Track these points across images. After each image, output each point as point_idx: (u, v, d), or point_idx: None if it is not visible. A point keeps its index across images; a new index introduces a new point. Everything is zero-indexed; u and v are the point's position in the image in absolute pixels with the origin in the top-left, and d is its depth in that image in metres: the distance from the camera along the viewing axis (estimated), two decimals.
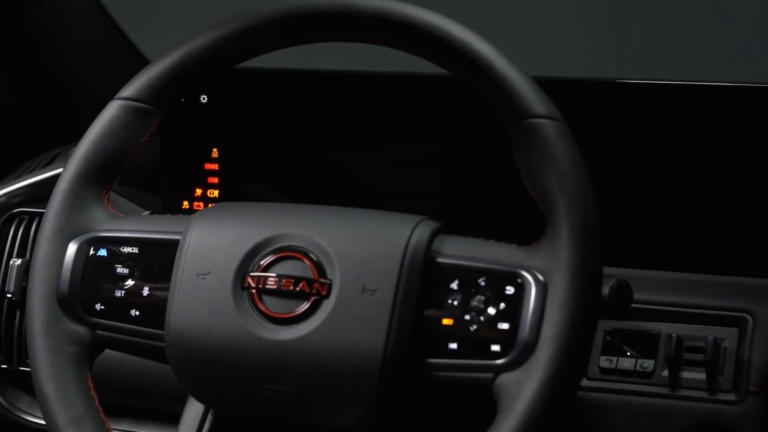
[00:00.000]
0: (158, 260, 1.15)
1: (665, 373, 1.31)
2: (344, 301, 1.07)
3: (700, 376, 1.30)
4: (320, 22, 1.13)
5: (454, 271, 1.07)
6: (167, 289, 1.12)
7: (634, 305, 1.30)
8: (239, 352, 1.08)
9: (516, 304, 1.04)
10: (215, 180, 1.57)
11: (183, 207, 1.58)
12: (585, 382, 1.32)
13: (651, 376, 1.31)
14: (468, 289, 1.06)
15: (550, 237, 1.05)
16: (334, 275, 1.08)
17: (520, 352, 1.03)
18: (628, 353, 1.33)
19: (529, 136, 1.06)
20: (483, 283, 1.06)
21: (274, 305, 1.09)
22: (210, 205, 1.52)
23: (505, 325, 1.04)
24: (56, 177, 1.21)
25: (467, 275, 1.06)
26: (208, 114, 1.56)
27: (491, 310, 1.05)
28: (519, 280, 1.04)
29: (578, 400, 1.30)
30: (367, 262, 1.07)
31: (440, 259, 1.08)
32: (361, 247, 1.08)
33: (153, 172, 1.59)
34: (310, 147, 1.56)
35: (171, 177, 1.59)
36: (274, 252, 1.10)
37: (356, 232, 1.10)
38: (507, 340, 1.03)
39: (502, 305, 1.04)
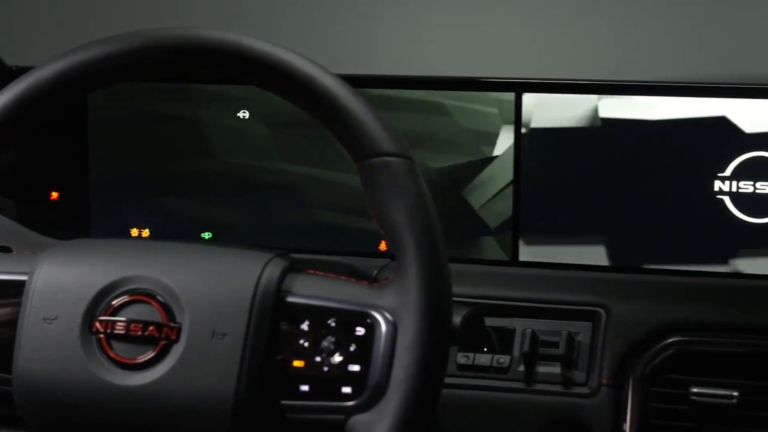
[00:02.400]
0: (3, 302, 1.12)
1: (521, 368, 1.33)
2: (194, 346, 1.05)
3: (555, 370, 1.33)
4: (165, 56, 1.09)
5: (304, 312, 1.06)
6: (14, 332, 1.09)
7: (490, 301, 1.32)
8: (89, 398, 1.07)
9: (366, 345, 1.03)
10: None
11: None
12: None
13: (507, 371, 1.33)
14: (318, 330, 1.05)
15: (399, 276, 1.04)
16: (183, 319, 1.06)
17: (371, 394, 1.03)
18: (485, 349, 1.35)
19: (377, 174, 1.05)
20: (333, 324, 1.05)
21: (123, 350, 1.07)
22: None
23: (356, 367, 1.04)
24: None
25: (317, 316, 1.06)
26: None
27: (342, 352, 1.04)
28: (369, 321, 1.04)
29: None
30: (216, 305, 1.06)
31: (291, 299, 1.07)
32: (210, 288, 1.07)
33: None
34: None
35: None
36: (122, 294, 1.08)
37: (206, 272, 1.08)
38: (358, 381, 1.03)
39: (353, 347, 1.04)
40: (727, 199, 1.37)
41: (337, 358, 1.04)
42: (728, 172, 1.36)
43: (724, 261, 1.38)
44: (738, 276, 1.37)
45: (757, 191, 1.36)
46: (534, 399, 1.32)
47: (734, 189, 1.36)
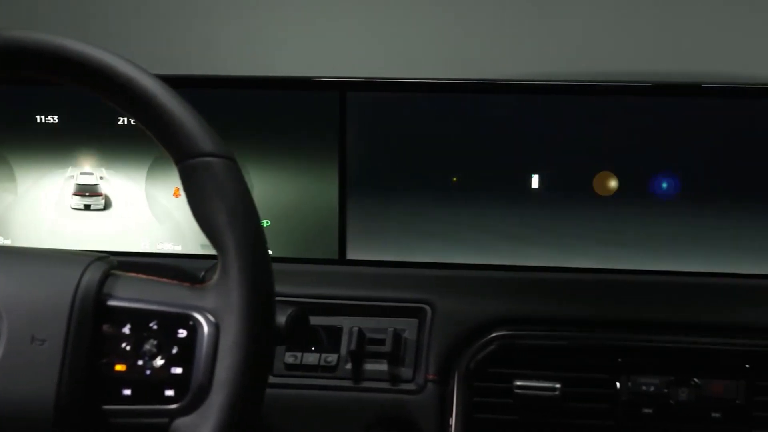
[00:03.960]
0: None
1: (348, 366, 1.34)
2: (13, 352, 1.03)
3: (382, 367, 1.34)
4: None
5: (125, 315, 1.04)
6: None
7: (317, 300, 1.33)
8: None
9: (189, 347, 1.02)
10: None
11: None
12: (270, 379, 1.33)
13: (335, 370, 1.34)
14: (140, 333, 1.04)
15: (221, 277, 1.03)
16: (2, 326, 1.03)
17: (194, 397, 1.02)
18: (312, 348, 1.35)
19: (198, 175, 1.04)
20: (155, 327, 1.04)
21: None
22: None
23: (178, 369, 1.03)
24: None
25: (139, 319, 1.04)
26: None
27: (164, 355, 1.03)
28: (191, 323, 1.03)
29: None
30: (35, 310, 1.03)
31: (111, 302, 1.05)
32: (28, 293, 1.04)
33: None
34: None
35: None
36: None
37: (24, 277, 1.06)
38: (181, 384, 1.02)
39: (175, 349, 1.03)
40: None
41: (159, 361, 1.03)
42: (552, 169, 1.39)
43: (547, 255, 1.40)
44: (560, 270, 1.40)
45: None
46: (362, 397, 1.33)
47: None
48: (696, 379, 1.28)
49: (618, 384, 1.29)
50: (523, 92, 1.38)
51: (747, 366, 1.28)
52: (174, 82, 1.06)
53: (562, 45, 1.57)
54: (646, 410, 1.28)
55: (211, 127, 1.04)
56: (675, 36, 1.54)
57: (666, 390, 1.28)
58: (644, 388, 1.28)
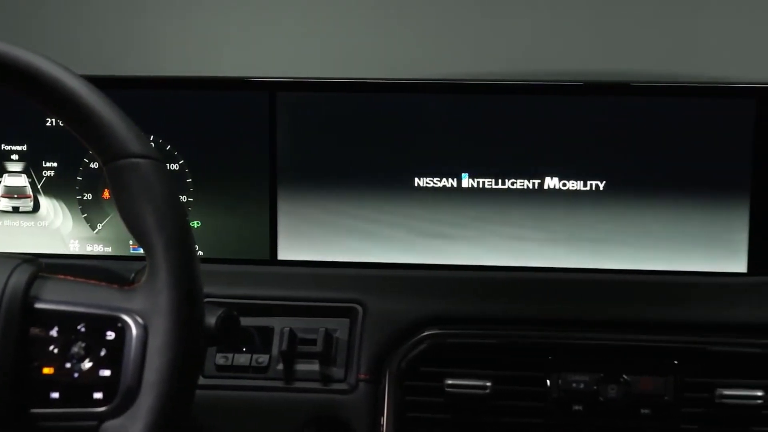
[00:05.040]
0: None
1: (280, 366, 1.34)
2: None
3: (314, 367, 1.34)
4: None
5: (53, 318, 1.04)
6: None
7: (249, 301, 1.32)
8: None
9: (117, 349, 1.02)
10: None
11: None
12: (201, 381, 1.33)
13: (267, 371, 1.34)
14: (68, 335, 1.03)
15: (150, 278, 1.03)
16: None
17: (122, 399, 1.01)
18: (244, 349, 1.35)
19: (125, 176, 1.03)
20: (83, 329, 1.03)
21: None
22: None
23: (106, 372, 1.02)
24: None
25: (66, 321, 1.03)
26: None
27: (92, 357, 1.03)
28: (119, 325, 1.02)
29: (195, 399, 1.31)
30: None
31: (39, 305, 1.04)
32: None
33: None
34: None
35: None
36: None
37: None
38: (109, 386, 1.02)
39: (103, 351, 1.03)
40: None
41: (88, 364, 1.03)
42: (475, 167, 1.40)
43: (478, 254, 1.41)
44: (491, 269, 1.41)
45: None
46: (294, 397, 1.33)
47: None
48: (625, 376, 1.29)
49: (548, 382, 1.30)
50: (453, 92, 1.39)
51: (675, 362, 1.30)
52: (101, 82, 1.06)
53: (493, 45, 1.58)
54: (576, 407, 1.30)
55: (139, 129, 1.04)
56: (605, 36, 1.55)
57: (596, 387, 1.29)
58: (574, 385, 1.30)
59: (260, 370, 1.33)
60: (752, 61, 1.55)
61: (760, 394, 1.27)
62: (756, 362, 1.30)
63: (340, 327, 1.35)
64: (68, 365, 1.03)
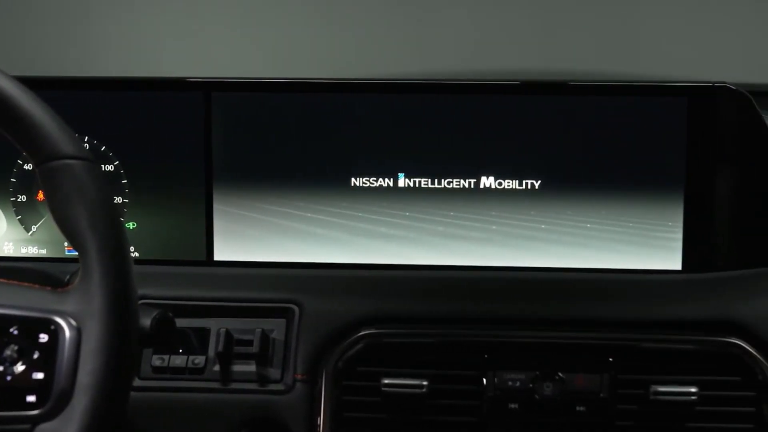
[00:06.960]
0: None
1: (216, 367, 1.33)
2: None
3: (251, 368, 1.33)
4: None
5: None
6: None
7: (185, 302, 1.32)
8: None
9: (50, 352, 1.01)
10: None
11: None
12: (137, 382, 1.32)
13: (203, 372, 1.33)
14: (0, 338, 1.02)
15: (84, 280, 1.02)
16: None
17: (56, 402, 1.01)
18: (180, 350, 1.34)
19: (58, 177, 1.03)
20: (15, 332, 1.02)
21: None
22: None
23: (40, 375, 1.02)
24: None
25: None
26: None
27: (25, 360, 1.02)
28: (53, 327, 1.02)
29: (131, 401, 1.30)
30: None
31: None
32: None
33: None
34: None
35: None
36: None
37: None
38: (43, 389, 1.01)
39: (36, 354, 1.02)
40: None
41: (20, 367, 1.02)
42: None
43: (414, 254, 1.42)
44: (426, 268, 1.41)
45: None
46: (230, 398, 1.32)
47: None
48: (561, 374, 1.30)
49: (484, 380, 1.31)
50: (389, 92, 1.40)
51: (610, 359, 1.31)
52: (33, 83, 1.05)
53: (430, 45, 1.58)
54: (512, 405, 1.30)
55: (71, 130, 1.03)
56: (543, 35, 1.56)
57: (531, 385, 1.30)
58: (510, 383, 1.30)
59: (196, 372, 1.33)
60: (684, 60, 1.57)
61: (693, 390, 1.28)
62: (690, 359, 1.31)
63: (276, 327, 1.35)
64: (1, 368, 1.02)
